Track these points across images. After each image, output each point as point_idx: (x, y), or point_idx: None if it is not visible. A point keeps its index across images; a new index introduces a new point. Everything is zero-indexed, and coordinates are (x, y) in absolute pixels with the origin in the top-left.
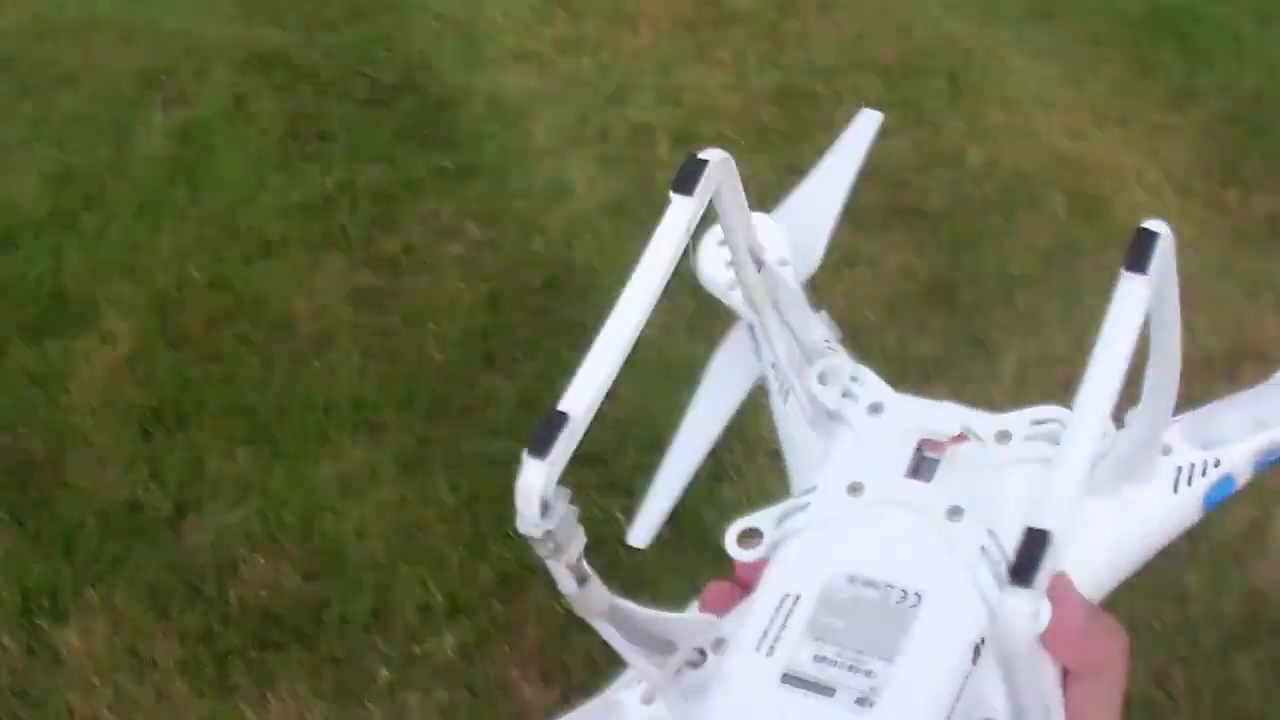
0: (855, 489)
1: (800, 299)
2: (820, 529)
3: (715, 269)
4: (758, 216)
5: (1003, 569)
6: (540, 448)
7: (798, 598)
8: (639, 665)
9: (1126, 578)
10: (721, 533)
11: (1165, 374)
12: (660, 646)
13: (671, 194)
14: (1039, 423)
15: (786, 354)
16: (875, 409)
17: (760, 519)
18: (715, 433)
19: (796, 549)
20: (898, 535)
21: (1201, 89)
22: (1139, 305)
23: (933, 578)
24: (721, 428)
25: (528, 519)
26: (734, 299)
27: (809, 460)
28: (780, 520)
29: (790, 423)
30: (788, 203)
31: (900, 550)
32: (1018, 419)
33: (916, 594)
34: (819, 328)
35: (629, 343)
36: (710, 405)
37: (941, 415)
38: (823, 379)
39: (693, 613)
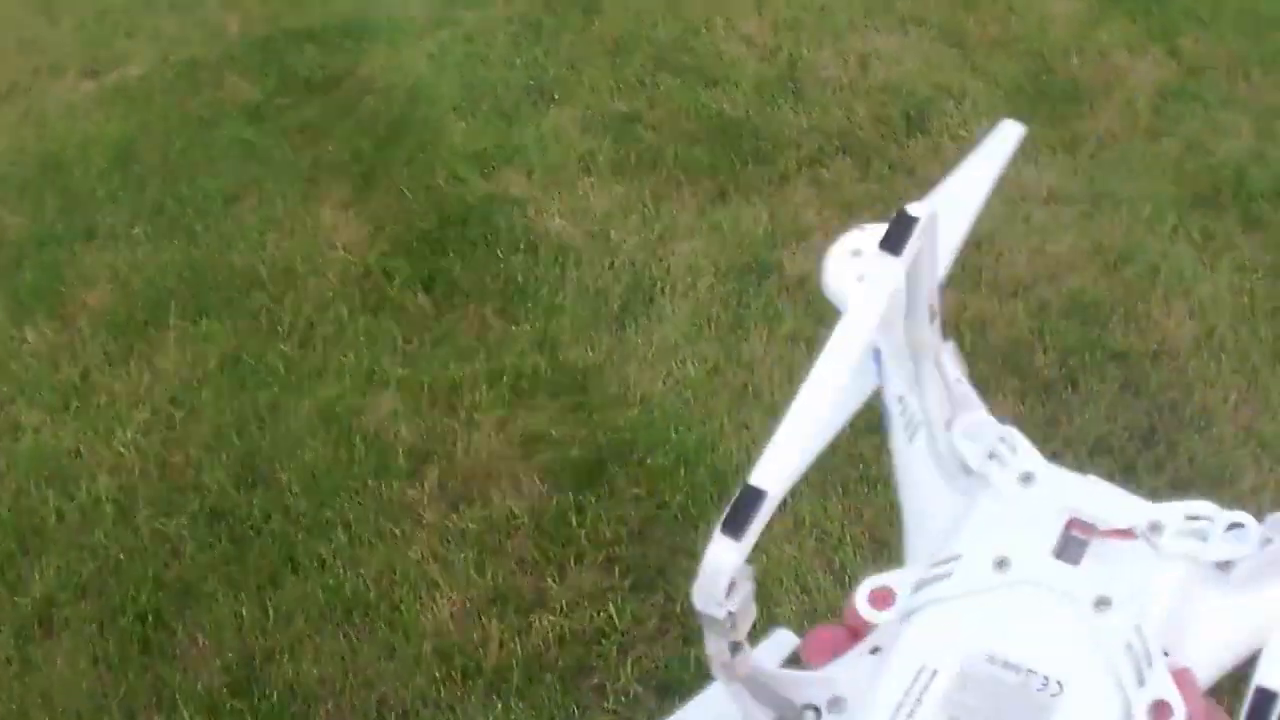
0: (1001, 564)
1: (951, 347)
2: (962, 602)
3: (844, 283)
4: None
5: (1145, 667)
6: (735, 527)
7: (935, 672)
8: None
9: (1227, 671)
10: (851, 590)
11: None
12: (780, 704)
13: (880, 251)
14: (1192, 518)
15: (936, 401)
16: (1026, 479)
17: (895, 580)
18: (833, 430)
19: (936, 620)
20: (1042, 619)
21: None
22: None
23: (1076, 668)
24: (836, 430)
25: (710, 598)
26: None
27: (931, 510)
28: (919, 586)
29: (916, 465)
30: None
31: (1044, 635)
32: (1171, 512)
33: (1059, 683)
34: (954, 367)
35: (830, 413)
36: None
37: (1095, 496)
38: (971, 435)
39: (800, 665)
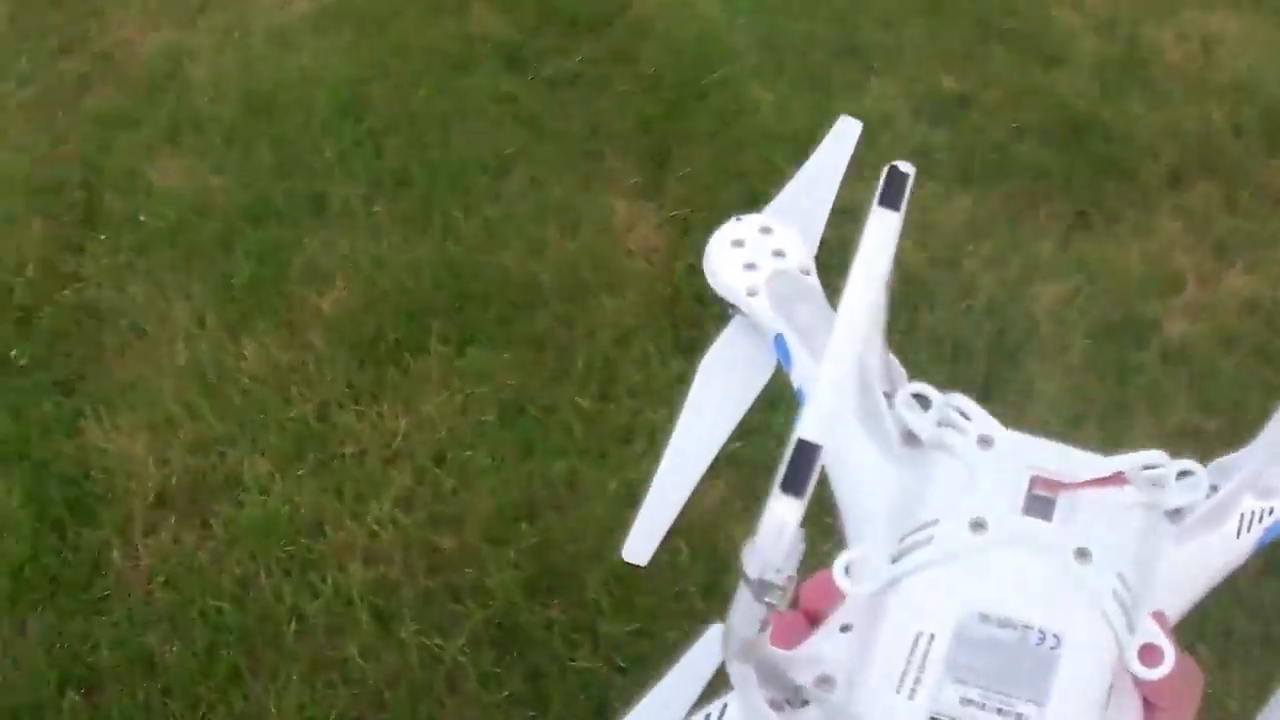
0: (978, 525)
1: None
2: (947, 565)
3: (731, 273)
4: (765, 219)
5: (1133, 613)
6: (798, 485)
7: (932, 636)
8: (761, 712)
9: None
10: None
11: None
12: (781, 685)
13: (877, 207)
14: (1149, 467)
15: (876, 376)
16: (985, 442)
17: (865, 554)
18: (719, 439)
19: (924, 585)
20: (1029, 575)
21: None
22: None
23: (1070, 620)
24: (727, 433)
25: (769, 561)
26: (754, 306)
27: (871, 487)
28: (899, 555)
29: (848, 444)
30: (776, 203)
31: (1033, 591)
32: (1129, 463)
33: (1056, 636)
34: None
35: (855, 360)
36: (712, 409)
37: (1054, 453)
38: (922, 404)
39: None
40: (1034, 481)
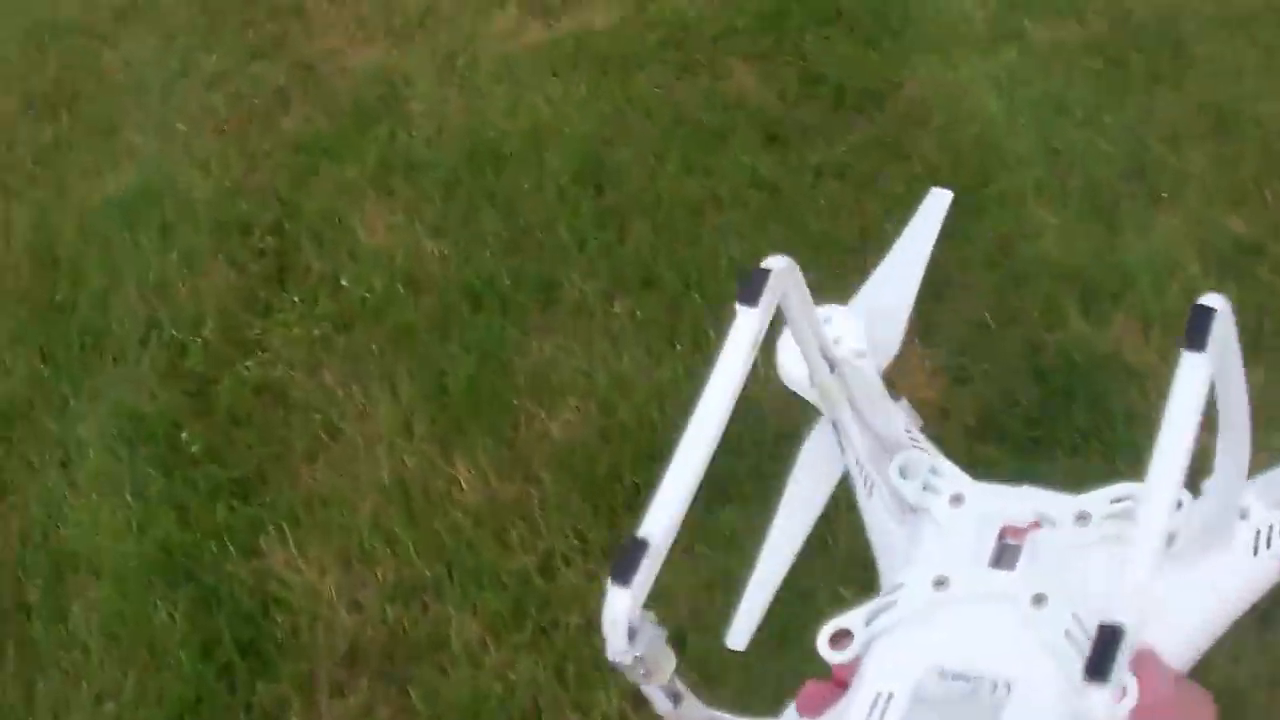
0: (940, 583)
1: (879, 391)
2: (909, 626)
3: (796, 365)
4: (832, 309)
5: (1088, 653)
6: (623, 575)
7: (890, 695)
8: None
9: (1214, 641)
10: (813, 636)
11: (1236, 444)
12: None
13: (737, 306)
14: (1117, 500)
15: (868, 450)
16: (956, 500)
17: (850, 619)
18: (806, 529)
19: (888, 646)
20: (984, 627)
21: None
22: (1201, 384)
23: (1020, 666)
24: (812, 523)
25: (615, 646)
26: (815, 396)
27: (894, 553)
28: (869, 619)
29: (875, 516)
30: (864, 291)
31: (988, 641)
32: (1096, 499)
33: (1006, 684)
34: (899, 417)
35: (705, 461)
36: (800, 502)
37: (1020, 501)
38: (904, 473)
39: (790, 715)
40: (1004, 531)
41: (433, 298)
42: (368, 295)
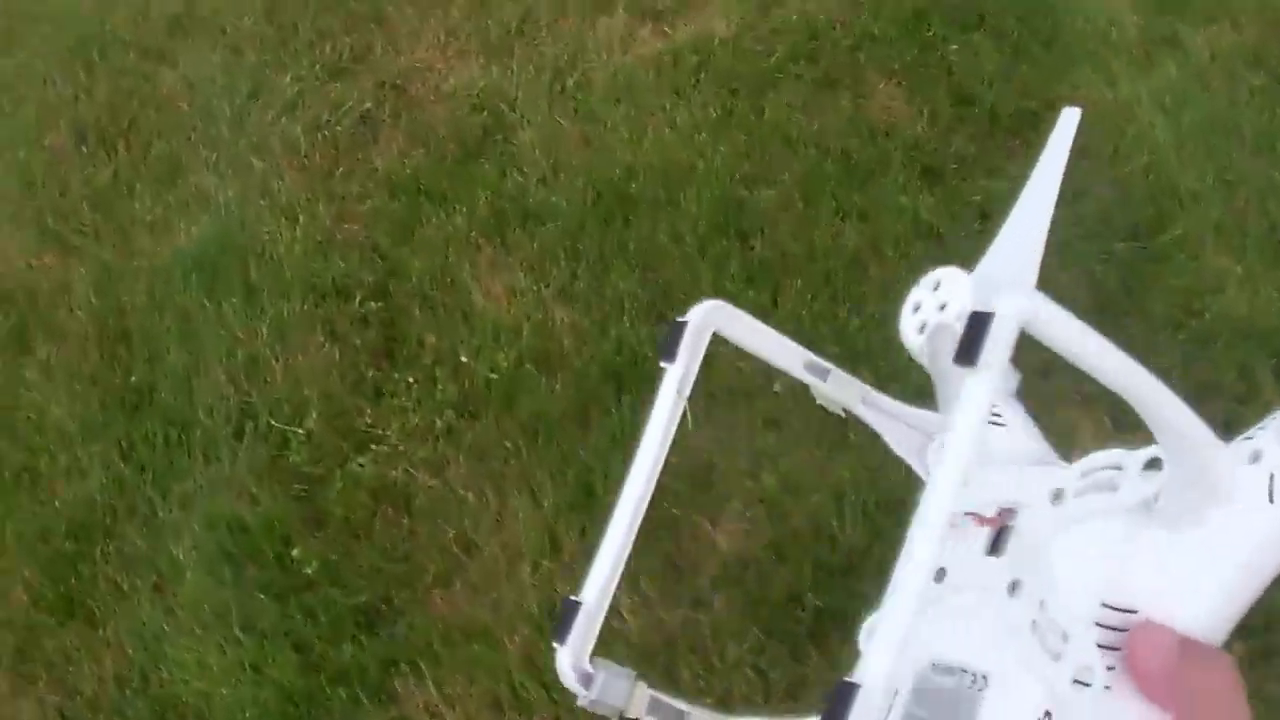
0: (940, 575)
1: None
2: (919, 618)
3: (912, 338)
4: (944, 272)
5: (1052, 642)
6: (561, 635)
7: (896, 692)
8: None
9: (1255, 599)
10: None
11: (1143, 404)
12: None
13: (661, 363)
14: (1089, 472)
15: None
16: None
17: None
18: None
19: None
20: (970, 618)
21: None
22: (979, 406)
23: (995, 659)
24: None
25: (573, 693)
26: (924, 360)
27: None
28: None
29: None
30: (995, 244)
31: (971, 633)
32: (1068, 475)
33: (983, 676)
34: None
35: (638, 518)
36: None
37: (1016, 484)
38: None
39: None
40: (975, 518)
41: (568, 378)
42: (493, 375)
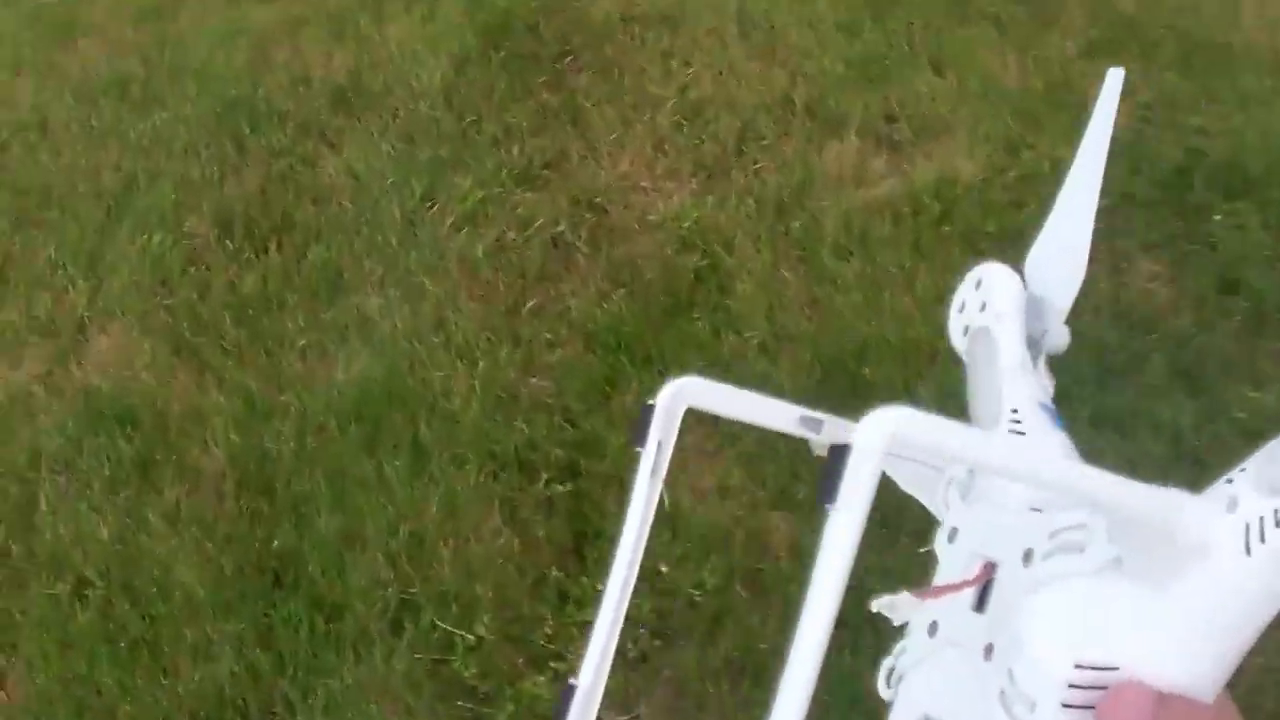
0: (932, 629)
1: (1006, 355)
2: (911, 673)
3: (957, 340)
4: (986, 269)
5: (1019, 712)
6: (558, 718)
7: None
8: None
9: (1244, 651)
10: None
11: (1067, 488)
12: None
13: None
14: (1055, 534)
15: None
16: (952, 536)
17: (892, 659)
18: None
19: (901, 694)
20: (953, 677)
21: None
22: (845, 542)
23: None
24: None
25: None
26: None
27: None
28: (898, 659)
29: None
30: (1042, 235)
31: (955, 693)
32: (1039, 534)
33: None
34: (1017, 388)
35: (625, 602)
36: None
37: (1001, 534)
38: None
39: None
40: (984, 568)
41: (779, 602)
42: (696, 594)
